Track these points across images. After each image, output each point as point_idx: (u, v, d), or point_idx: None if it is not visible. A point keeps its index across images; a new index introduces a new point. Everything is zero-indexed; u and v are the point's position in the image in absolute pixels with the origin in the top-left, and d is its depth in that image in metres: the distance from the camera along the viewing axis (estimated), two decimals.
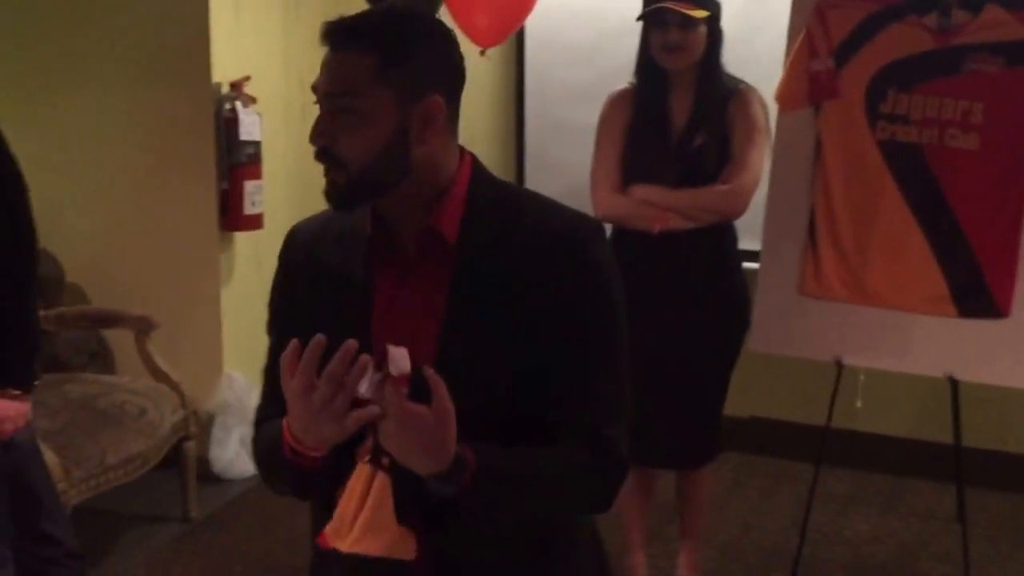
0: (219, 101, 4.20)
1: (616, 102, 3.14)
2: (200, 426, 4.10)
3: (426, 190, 1.49)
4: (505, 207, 1.53)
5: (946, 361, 3.13)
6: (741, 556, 3.74)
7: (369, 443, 1.47)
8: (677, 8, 2.92)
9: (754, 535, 3.91)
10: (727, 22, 3.07)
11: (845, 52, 3.09)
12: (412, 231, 1.51)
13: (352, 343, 1.34)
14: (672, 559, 3.45)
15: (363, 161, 1.43)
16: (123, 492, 3.69)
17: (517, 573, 1.54)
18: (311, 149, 1.48)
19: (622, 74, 3.16)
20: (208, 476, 4.23)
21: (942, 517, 4.03)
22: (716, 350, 3.14)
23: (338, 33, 1.44)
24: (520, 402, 1.47)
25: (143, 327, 3.94)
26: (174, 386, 3.92)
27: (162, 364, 3.94)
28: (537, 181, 4.93)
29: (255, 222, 4.28)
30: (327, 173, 1.47)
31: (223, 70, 4.21)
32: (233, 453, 4.28)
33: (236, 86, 4.19)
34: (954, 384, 3.20)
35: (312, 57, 1.62)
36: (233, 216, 4.26)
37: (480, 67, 4.39)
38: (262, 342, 1.66)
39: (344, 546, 1.50)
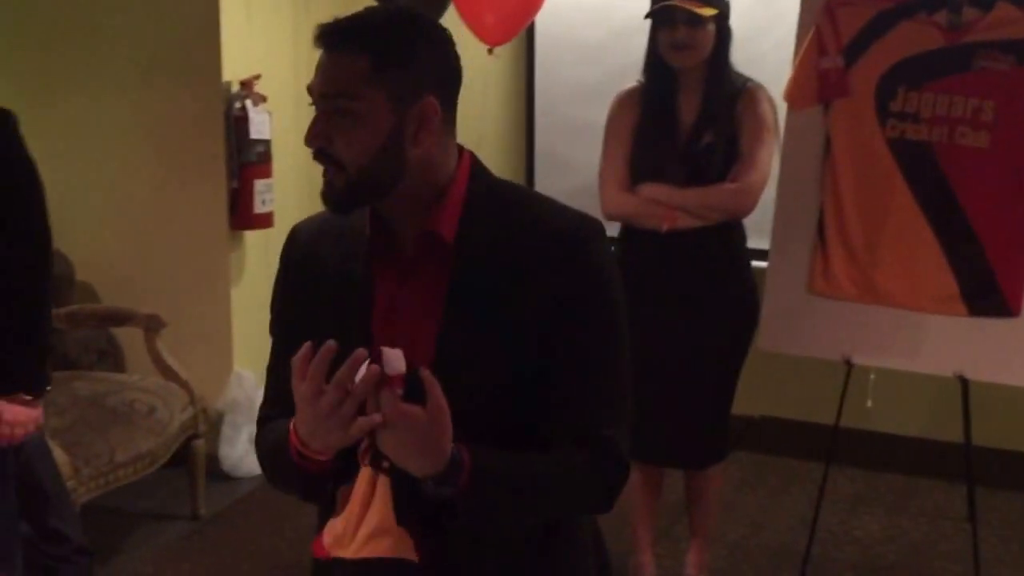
0: (229, 100, 4.20)
1: (624, 101, 3.14)
2: (209, 424, 4.11)
3: (424, 191, 1.49)
4: (504, 206, 1.52)
5: (956, 360, 3.12)
6: (750, 556, 3.73)
7: (366, 443, 1.47)
8: (685, 6, 2.91)
9: (763, 534, 3.89)
10: (735, 20, 3.06)
11: (855, 50, 3.08)
12: (411, 231, 1.51)
13: (362, 352, 1.34)
14: (680, 558, 3.45)
15: (360, 163, 1.43)
16: (132, 490, 3.70)
17: (518, 573, 1.53)
18: None
19: (631, 72, 3.16)
20: (217, 474, 4.23)
21: (953, 517, 4.01)
22: (724, 349, 3.13)
23: (332, 35, 1.44)
24: (519, 403, 1.47)
25: (153, 325, 3.95)
26: (183, 384, 3.92)
27: (171, 362, 3.94)
28: (546, 179, 4.93)
29: (265, 221, 4.29)
30: (325, 175, 1.47)
31: (233, 68, 4.21)
32: (242, 451, 4.29)
33: (246, 84, 4.20)
34: (964, 383, 3.19)
35: None
36: (243, 215, 4.26)
37: (490, 66, 4.40)
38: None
39: (348, 552, 1.50)
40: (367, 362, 1.33)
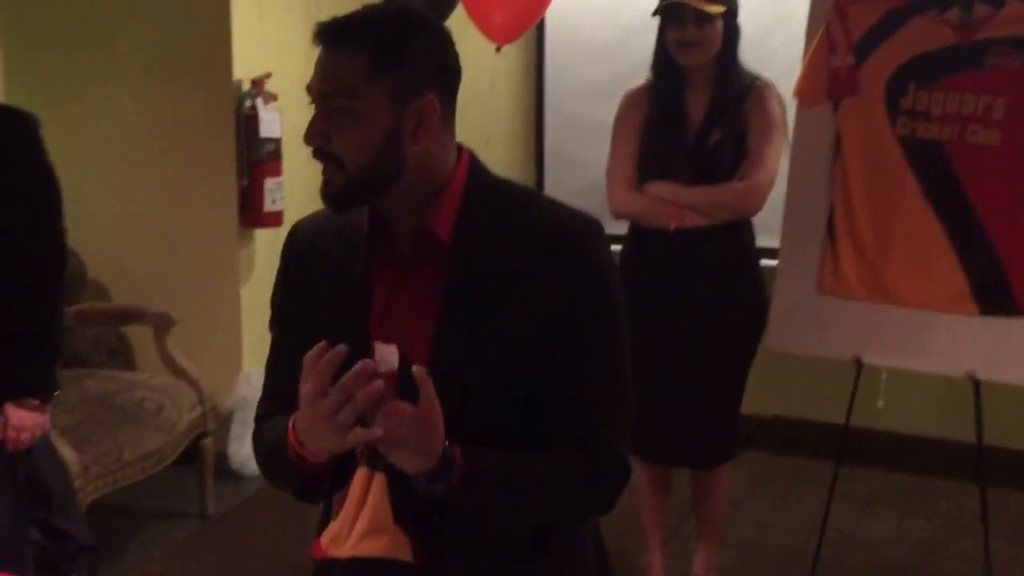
0: (239, 98, 4.21)
1: (632, 99, 3.13)
2: (218, 423, 4.12)
3: (422, 189, 1.48)
4: (502, 205, 1.51)
5: (967, 360, 3.09)
6: (759, 556, 3.71)
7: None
8: (693, 3, 2.90)
9: (773, 535, 3.88)
10: (745, 18, 3.05)
11: (865, 48, 3.05)
12: (409, 229, 1.50)
13: (368, 363, 1.33)
14: (689, 559, 3.43)
15: (359, 161, 1.43)
16: (140, 488, 3.71)
17: (517, 573, 1.52)
18: None
19: (641, 71, 3.15)
20: (226, 473, 4.24)
21: (964, 517, 3.98)
22: (733, 348, 3.11)
23: (331, 33, 1.44)
24: (516, 403, 1.46)
25: (162, 324, 3.96)
26: (192, 383, 3.93)
27: (181, 361, 3.95)
28: (556, 178, 4.93)
29: (275, 219, 4.29)
30: (325, 173, 1.46)
31: (244, 67, 4.22)
32: (251, 450, 4.28)
33: (257, 83, 4.20)
34: (976, 383, 3.17)
35: None
36: (253, 213, 4.27)
37: (500, 64, 4.39)
38: None
39: (344, 552, 1.49)
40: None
